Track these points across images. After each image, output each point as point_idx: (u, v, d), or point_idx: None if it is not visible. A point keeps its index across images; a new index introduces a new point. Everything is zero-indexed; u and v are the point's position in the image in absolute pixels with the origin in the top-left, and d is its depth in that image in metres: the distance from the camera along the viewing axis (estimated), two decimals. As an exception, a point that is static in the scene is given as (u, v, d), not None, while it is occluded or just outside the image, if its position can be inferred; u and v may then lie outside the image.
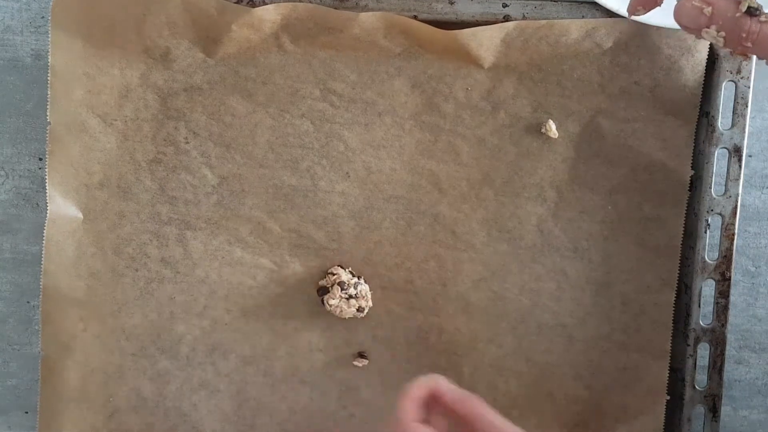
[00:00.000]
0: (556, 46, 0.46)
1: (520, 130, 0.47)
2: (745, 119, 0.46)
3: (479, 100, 0.47)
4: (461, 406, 0.39)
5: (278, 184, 0.48)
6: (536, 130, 0.47)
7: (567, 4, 0.46)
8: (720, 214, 0.47)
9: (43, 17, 0.48)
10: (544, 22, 0.46)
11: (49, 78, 0.46)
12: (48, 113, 0.46)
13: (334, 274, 0.47)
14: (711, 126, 0.47)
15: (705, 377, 0.48)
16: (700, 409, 0.49)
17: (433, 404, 0.40)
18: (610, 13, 0.46)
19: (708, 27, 0.34)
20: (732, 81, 0.46)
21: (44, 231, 0.47)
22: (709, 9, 0.34)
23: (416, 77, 0.47)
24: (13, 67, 0.49)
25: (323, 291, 0.47)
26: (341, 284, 0.47)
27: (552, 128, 0.47)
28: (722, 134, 0.47)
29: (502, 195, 0.48)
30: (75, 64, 0.46)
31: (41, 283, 0.47)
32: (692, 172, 0.47)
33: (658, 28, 0.45)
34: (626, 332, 0.48)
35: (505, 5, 0.46)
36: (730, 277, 0.48)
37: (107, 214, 0.47)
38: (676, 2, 0.36)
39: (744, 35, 0.34)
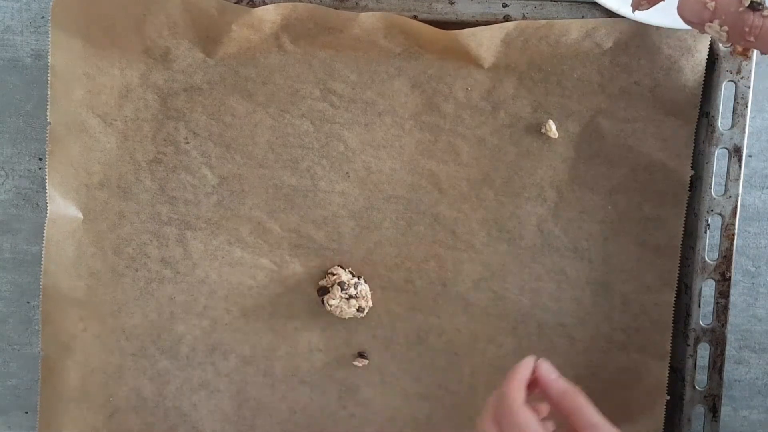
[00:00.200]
0: (556, 46, 0.46)
1: (520, 130, 0.47)
2: (745, 119, 0.46)
3: (479, 100, 0.47)
4: (562, 398, 0.38)
5: (278, 184, 0.48)
6: (536, 130, 0.47)
7: (567, 4, 0.46)
8: (720, 214, 0.47)
9: (43, 17, 0.48)
10: (544, 22, 0.46)
11: (49, 78, 0.46)
12: (48, 113, 0.46)
13: (334, 274, 0.47)
14: (711, 126, 0.47)
15: (705, 377, 0.48)
16: (700, 409, 0.49)
17: (531, 386, 0.39)
18: (610, 13, 0.46)
19: (711, 21, 0.35)
20: (732, 81, 0.46)
21: (44, 231, 0.47)
22: (713, 4, 0.34)
23: (416, 77, 0.47)
24: (13, 67, 0.49)
25: (323, 291, 0.47)
26: (341, 284, 0.47)
27: (552, 128, 0.47)
28: (722, 134, 0.47)
29: (502, 195, 0.48)
30: (75, 64, 0.46)
31: (41, 283, 0.47)
32: (692, 172, 0.47)
33: (658, 28, 0.45)
34: (626, 332, 0.48)
35: (505, 5, 0.46)
36: (730, 277, 0.48)
37: (107, 214, 0.47)
38: None
39: (747, 30, 0.34)
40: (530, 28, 0.46)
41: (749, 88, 0.46)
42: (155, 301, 0.48)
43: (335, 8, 0.46)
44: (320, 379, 0.49)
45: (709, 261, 0.48)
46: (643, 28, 0.45)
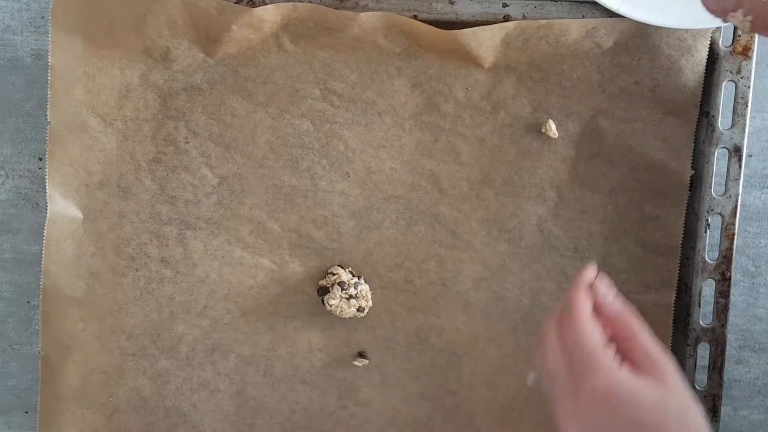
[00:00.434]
0: (556, 46, 0.46)
1: (520, 130, 0.47)
2: (745, 119, 0.46)
3: (479, 100, 0.47)
4: (617, 321, 0.37)
5: (278, 184, 0.48)
6: (536, 130, 0.47)
7: (567, 4, 0.46)
8: (720, 214, 0.47)
9: (43, 17, 0.48)
10: (544, 22, 0.46)
11: (49, 78, 0.46)
12: (48, 113, 0.46)
13: (334, 274, 0.47)
14: (711, 126, 0.47)
15: (705, 377, 0.48)
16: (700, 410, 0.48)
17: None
18: (610, 13, 0.46)
19: (735, 11, 0.34)
20: (732, 81, 0.46)
21: (44, 231, 0.47)
22: None
23: (416, 77, 0.47)
24: (13, 67, 0.49)
25: (323, 291, 0.47)
26: (341, 284, 0.47)
27: (552, 128, 0.47)
28: (722, 134, 0.47)
29: (502, 195, 0.48)
30: (75, 64, 0.46)
31: (41, 283, 0.47)
32: (692, 172, 0.47)
33: (658, 28, 0.45)
34: (626, 332, 0.48)
35: (505, 5, 0.46)
36: (730, 277, 0.48)
37: (107, 214, 0.47)
38: None
39: None
40: (530, 28, 0.46)
41: (749, 88, 0.46)
42: (155, 300, 0.48)
43: (335, 8, 0.46)
44: (320, 379, 0.49)
45: (709, 261, 0.48)
46: (643, 28, 0.45)
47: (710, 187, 0.47)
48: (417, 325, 0.49)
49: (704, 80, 0.46)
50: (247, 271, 0.48)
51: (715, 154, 0.47)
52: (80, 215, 0.47)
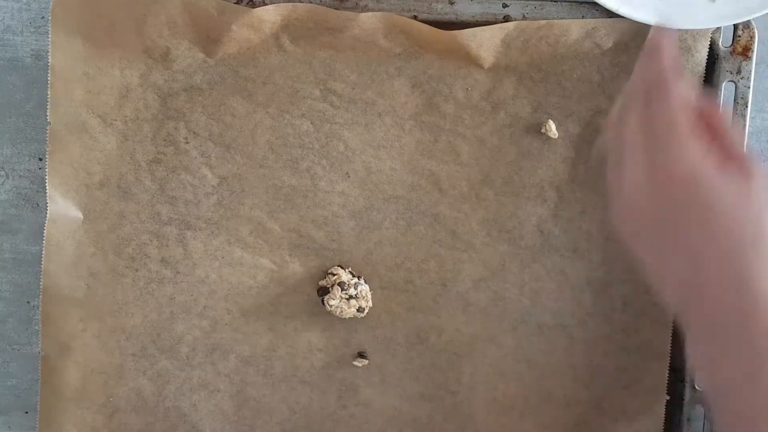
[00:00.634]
0: (556, 46, 0.46)
1: (520, 130, 0.47)
2: (745, 119, 0.46)
3: (479, 100, 0.47)
4: (711, 111, 0.34)
5: (278, 184, 0.48)
6: (536, 130, 0.47)
7: (567, 4, 0.46)
8: (720, 214, 0.47)
9: (43, 17, 0.48)
10: (544, 22, 0.46)
11: (49, 78, 0.46)
12: (48, 113, 0.46)
13: (334, 274, 0.47)
14: (711, 126, 0.47)
15: (705, 377, 0.48)
16: (700, 409, 0.49)
17: None
18: (610, 13, 0.46)
19: None
20: (732, 81, 0.46)
21: (44, 231, 0.47)
22: None
23: (416, 77, 0.47)
24: (13, 67, 0.49)
25: (323, 291, 0.47)
26: (341, 284, 0.47)
27: (552, 128, 0.47)
28: (722, 134, 0.47)
29: (502, 195, 0.48)
30: (75, 64, 0.46)
31: (41, 283, 0.47)
32: (692, 172, 0.47)
33: (658, 28, 0.45)
34: (626, 333, 0.48)
35: (505, 5, 0.46)
36: (730, 277, 0.47)
37: (107, 214, 0.47)
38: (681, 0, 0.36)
39: None
40: (530, 28, 0.46)
41: (749, 88, 0.46)
42: (155, 301, 0.48)
43: (335, 8, 0.46)
44: (320, 379, 0.49)
45: (709, 261, 0.48)
46: (643, 28, 0.45)
47: (710, 188, 0.47)
48: (417, 325, 0.49)
49: (704, 80, 0.46)
50: (247, 272, 0.48)
51: (715, 155, 0.47)
52: (80, 215, 0.47)
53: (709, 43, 0.45)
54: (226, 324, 0.48)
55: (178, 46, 0.46)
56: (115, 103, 0.47)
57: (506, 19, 0.46)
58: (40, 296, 0.47)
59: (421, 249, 0.48)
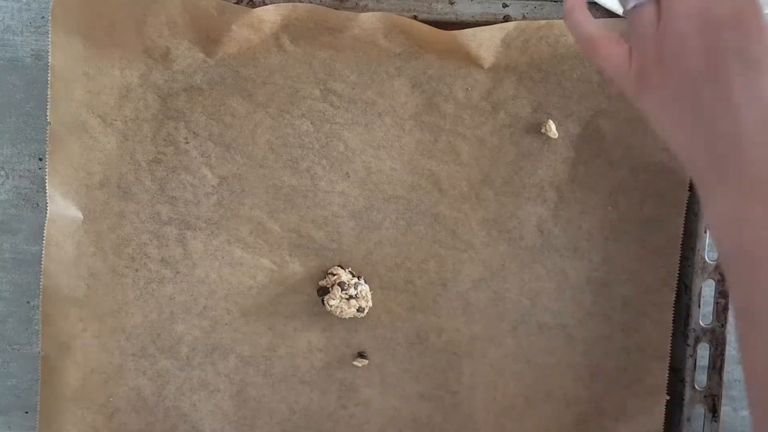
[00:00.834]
0: (556, 46, 0.46)
1: (520, 130, 0.47)
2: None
3: (479, 100, 0.47)
4: None
5: (278, 184, 0.48)
6: (536, 130, 0.47)
7: (567, 4, 0.46)
8: (720, 214, 0.47)
9: (43, 17, 0.48)
10: (544, 22, 0.46)
11: (49, 78, 0.46)
12: (48, 113, 0.46)
13: (334, 274, 0.47)
14: (711, 126, 0.47)
15: (705, 377, 0.48)
16: (700, 409, 0.49)
17: None
18: (610, 13, 0.46)
19: None
20: None
21: (44, 231, 0.47)
22: None
23: (416, 77, 0.47)
24: (13, 67, 0.49)
25: (323, 291, 0.47)
26: (341, 284, 0.47)
27: (552, 128, 0.47)
28: (722, 134, 0.47)
29: (502, 195, 0.48)
30: (75, 64, 0.46)
31: (41, 283, 0.47)
32: (692, 172, 0.47)
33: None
34: (626, 332, 0.48)
35: (505, 5, 0.46)
36: (730, 277, 0.47)
37: (107, 214, 0.47)
38: None
39: None
40: (530, 29, 0.46)
41: (749, 88, 0.46)
42: (155, 301, 0.48)
43: (335, 8, 0.46)
44: (320, 379, 0.49)
45: (709, 261, 0.48)
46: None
47: (710, 188, 0.47)
48: (417, 325, 0.49)
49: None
50: (247, 272, 0.48)
51: (715, 155, 0.47)
52: (80, 215, 0.47)
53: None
54: (226, 324, 0.49)
55: (178, 46, 0.46)
56: (115, 103, 0.47)
57: (506, 19, 0.46)
58: (40, 296, 0.47)
59: (421, 249, 0.48)
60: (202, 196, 0.48)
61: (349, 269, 0.48)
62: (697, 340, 0.48)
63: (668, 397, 0.48)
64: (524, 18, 0.46)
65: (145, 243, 0.48)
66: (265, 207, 0.48)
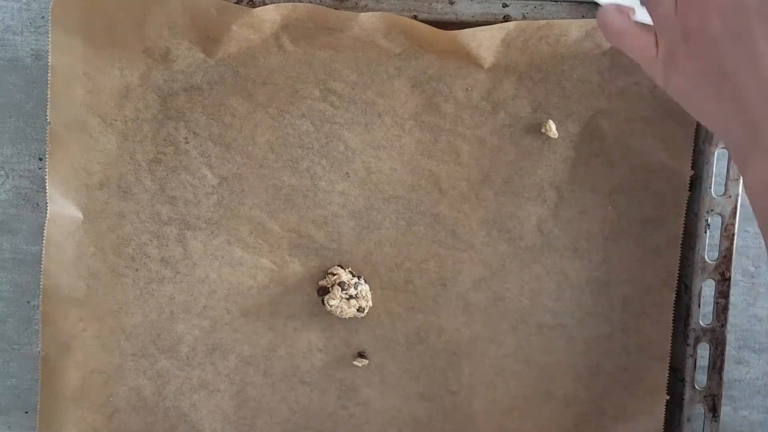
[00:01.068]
0: (556, 46, 0.46)
1: (520, 130, 0.47)
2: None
3: (479, 100, 0.47)
4: None
5: (278, 184, 0.48)
6: (536, 130, 0.47)
7: (567, 4, 0.46)
8: (720, 214, 0.47)
9: (43, 17, 0.48)
10: (544, 22, 0.46)
11: (49, 78, 0.46)
12: (48, 113, 0.46)
13: (334, 274, 0.47)
14: (711, 126, 0.47)
15: (705, 377, 0.48)
16: (700, 409, 0.49)
17: None
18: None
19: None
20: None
21: (44, 231, 0.47)
22: None
23: (416, 77, 0.47)
24: (13, 67, 0.49)
25: (323, 291, 0.47)
26: (341, 284, 0.47)
27: (552, 128, 0.47)
28: (722, 134, 0.47)
29: (502, 195, 0.48)
30: (75, 64, 0.46)
31: (41, 283, 0.47)
32: (692, 172, 0.47)
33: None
34: (626, 332, 0.48)
35: (505, 5, 0.46)
36: (729, 277, 0.48)
37: (107, 214, 0.47)
38: None
39: None
40: (530, 28, 0.46)
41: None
42: (155, 301, 0.48)
43: (335, 8, 0.46)
44: (320, 379, 0.49)
45: (709, 261, 0.48)
46: (643, 28, 0.45)
47: (710, 188, 0.47)
48: (417, 325, 0.49)
49: None
50: (247, 271, 0.48)
51: (715, 155, 0.47)
52: (80, 215, 0.47)
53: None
54: (226, 324, 0.48)
55: (178, 46, 0.46)
56: (115, 103, 0.47)
57: (506, 19, 0.46)
58: (40, 296, 0.47)
59: (421, 249, 0.48)
60: (202, 196, 0.48)
61: (349, 269, 0.48)
62: (697, 340, 0.48)
63: (668, 397, 0.48)
64: (524, 18, 0.46)
65: (145, 243, 0.48)
66: (265, 207, 0.48)
